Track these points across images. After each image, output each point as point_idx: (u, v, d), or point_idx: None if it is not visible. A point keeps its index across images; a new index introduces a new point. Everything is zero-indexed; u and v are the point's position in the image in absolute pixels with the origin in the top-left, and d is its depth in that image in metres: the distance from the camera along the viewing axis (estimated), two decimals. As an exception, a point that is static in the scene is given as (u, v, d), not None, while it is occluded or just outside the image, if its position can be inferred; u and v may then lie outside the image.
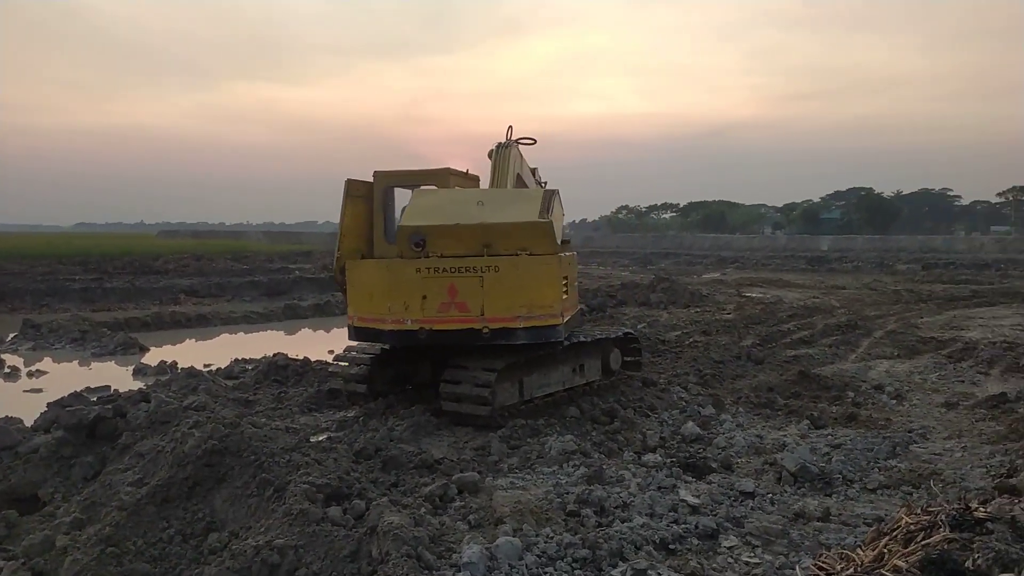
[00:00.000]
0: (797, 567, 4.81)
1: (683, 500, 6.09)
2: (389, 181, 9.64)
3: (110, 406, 7.86)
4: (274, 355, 12.24)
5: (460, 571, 4.73)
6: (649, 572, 4.77)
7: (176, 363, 13.39)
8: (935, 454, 7.51)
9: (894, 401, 9.92)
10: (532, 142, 10.41)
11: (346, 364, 9.85)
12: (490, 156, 9.75)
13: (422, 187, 9.37)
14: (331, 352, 12.62)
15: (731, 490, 6.45)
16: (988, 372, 11.57)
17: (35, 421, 8.30)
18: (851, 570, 2.68)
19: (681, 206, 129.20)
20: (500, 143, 9.79)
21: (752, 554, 5.27)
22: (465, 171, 10.10)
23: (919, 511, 3.02)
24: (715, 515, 5.84)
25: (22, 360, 14.84)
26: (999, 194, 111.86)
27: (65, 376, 13.17)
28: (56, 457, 7.20)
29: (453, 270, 8.11)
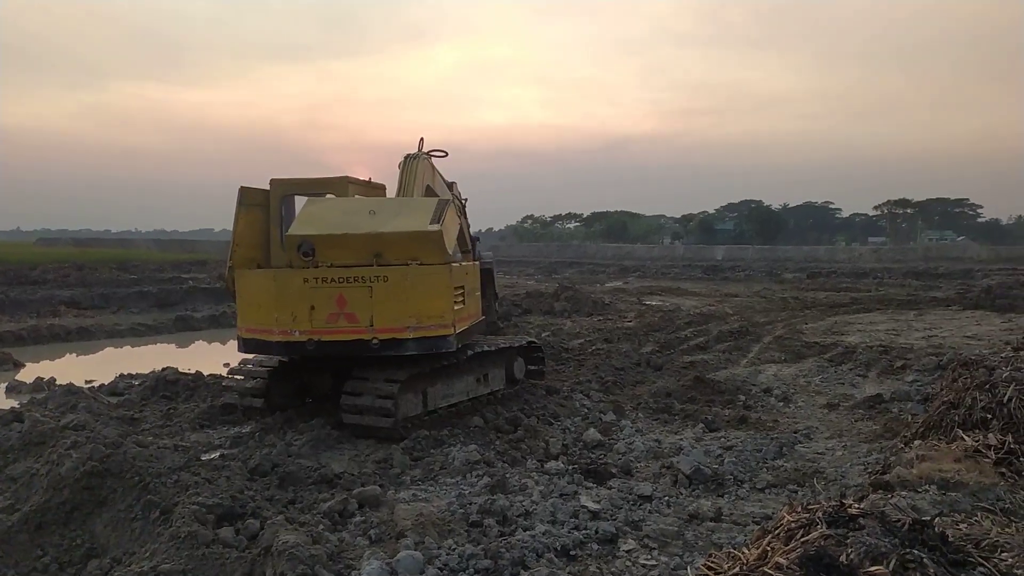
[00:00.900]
0: (689, 567, 4.97)
1: (584, 506, 6.18)
2: (286, 189, 9.39)
3: (-24, 428, 7.27)
4: (163, 369, 11.65)
5: (359, 588, 4.63)
6: (550, 579, 4.81)
7: (54, 379, 12.51)
8: (818, 453, 7.94)
9: (781, 403, 10.43)
10: (443, 154, 10.39)
11: (242, 377, 9.50)
12: (400, 167, 9.67)
13: (317, 196, 9.19)
14: (226, 365, 12.13)
15: (630, 494, 6.61)
16: (866, 375, 12.34)
17: None
18: (737, 569, 2.79)
19: (585, 216, 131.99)
20: (409, 154, 9.72)
21: (649, 556, 5.40)
22: (367, 180, 9.96)
23: (799, 509, 3.18)
24: (614, 520, 5.96)
25: None
26: (875, 207, 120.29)
27: (-75, 396, 12.07)
28: (-88, 485, 6.59)
29: (342, 280, 7.96)
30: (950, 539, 3.16)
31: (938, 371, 11.13)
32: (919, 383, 10.98)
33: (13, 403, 10.82)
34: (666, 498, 6.55)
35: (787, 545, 2.82)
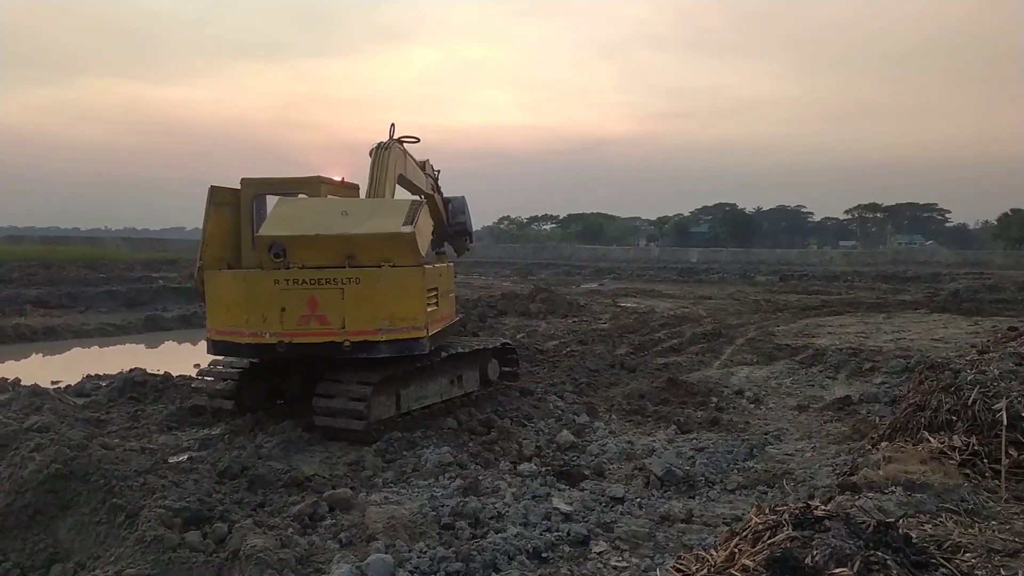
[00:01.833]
0: (659, 569, 5.00)
1: (556, 508, 6.19)
2: (258, 189, 9.28)
3: (-65, 430, 7.08)
4: (131, 370, 11.46)
5: (328, 592, 4.58)
6: (521, 582, 4.81)
7: (19, 380, 12.24)
8: (788, 455, 8.03)
9: (752, 405, 10.54)
10: (415, 140, 10.28)
11: (211, 379, 9.37)
12: (371, 155, 9.59)
13: (290, 196, 9.10)
14: (196, 366, 11.96)
15: (602, 496, 6.63)
16: (835, 376, 12.52)
17: None
18: (705, 570, 2.81)
19: (561, 218, 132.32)
20: (380, 144, 9.64)
21: (620, 558, 5.42)
22: (341, 179, 9.88)
23: (767, 511, 3.21)
24: (586, 522, 5.98)
25: None
26: (846, 211, 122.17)
27: None
28: None
29: (313, 282, 7.88)
30: (914, 540, 3.21)
31: (906, 373, 11.32)
32: (887, 385, 11.15)
33: (-25, 404, 10.58)
34: (638, 500, 6.57)
35: (754, 547, 2.85)
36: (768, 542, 2.83)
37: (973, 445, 5.41)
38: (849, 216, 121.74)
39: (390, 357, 8.15)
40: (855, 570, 2.60)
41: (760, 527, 2.99)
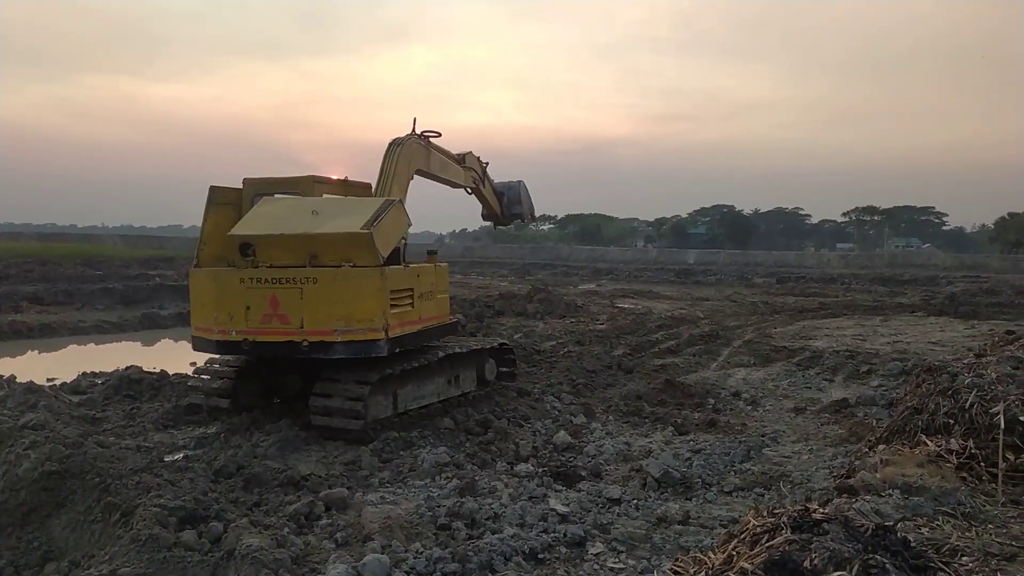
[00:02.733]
0: (656, 571, 4.99)
1: (553, 509, 6.18)
2: (258, 188, 9.28)
3: (-70, 427, 7.04)
4: (127, 368, 11.43)
5: (324, 592, 4.57)
6: (517, 583, 4.80)
7: (14, 377, 12.17)
8: (785, 457, 8.02)
9: (750, 407, 10.53)
10: (436, 134, 10.32)
11: (208, 377, 9.35)
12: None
13: (289, 195, 9.11)
14: (192, 364, 11.93)
15: (599, 497, 6.62)
16: (832, 379, 12.52)
17: None
18: (703, 573, 2.80)
19: (559, 218, 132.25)
20: (394, 140, 9.67)
21: (617, 560, 5.41)
22: (342, 178, 9.86)
23: (765, 514, 3.20)
24: (583, 523, 5.97)
25: None
26: (844, 214, 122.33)
27: None
28: None
29: (275, 281, 7.92)
30: (912, 544, 3.20)
31: (903, 376, 11.32)
32: (884, 388, 11.16)
33: (-30, 401, 10.53)
34: (635, 501, 6.56)
35: (752, 550, 2.84)
36: (766, 545, 2.83)
37: (970, 448, 5.40)
38: (846, 219, 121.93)
39: (345, 358, 8.06)
40: (854, 573, 2.59)
41: (758, 530, 2.98)
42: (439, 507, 6.10)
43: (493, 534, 5.57)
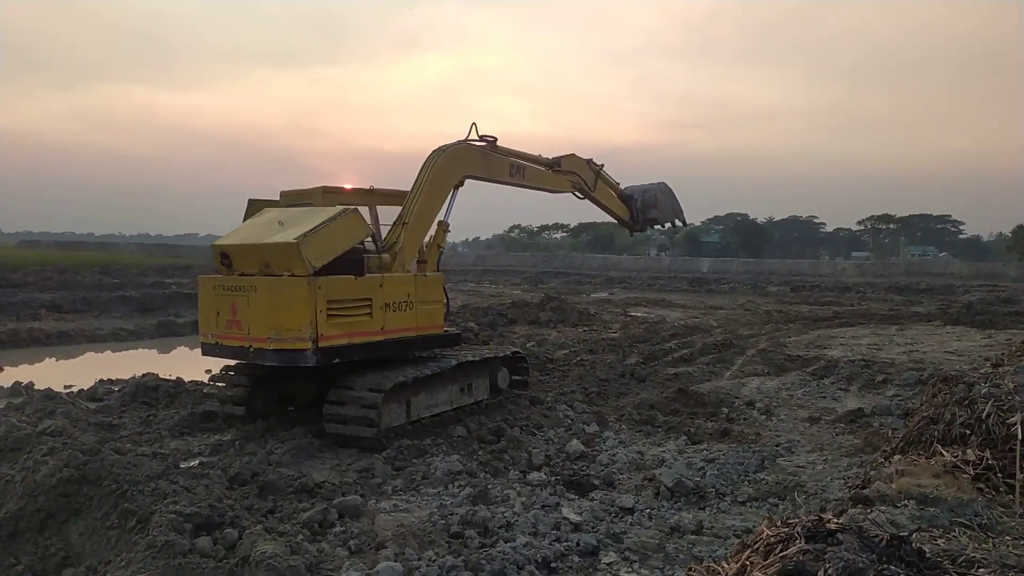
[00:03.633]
0: (670, 581, 4.97)
1: (566, 518, 6.17)
2: (290, 200, 9.56)
3: (-50, 433, 7.13)
4: (143, 375, 11.55)
5: (337, 600, 4.59)
6: (530, 592, 4.79)
7: (32, 384, 12.34)
8: (799, 467, 7.97)
9: (764, 416, 10.47)
10: (493, 139, 10.37)
11: (223, 384, 9.43)
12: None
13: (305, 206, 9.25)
14: (208, 372, 12.03)
15: (612, 506, 6.60)
16: (847, 388, 12.43)
17: None
18: (716, 583, 2.79)
19: (572, 227, 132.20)
20: (440, 146, 9.77)
21: (630, 569, 5.40)
22: (365, 187, 9.95)
23: (779, 524, 3.19)
24: (596, 532, 5.96)
25: None
26: (859, 222, 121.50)
27: (-101, 399, 11.85)
28: None
29: (234, 288, 8.33)
30: (927, 555, 3.18)
31: (918, 386, 11.23)
32: (900, 398, 11.07)
33: (-11, 408, 10.66)
34: (648, 510, 6.54)
35: (766, 560, 2.83)
36: (780, 555, 2.82)
37: (987, 459, 5.35)
38: (862, 227, 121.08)
39: (276, 365, 8.30)
40: (868, 584, 2.58)
41: (772, 540, 2.97)
42: (452, 515, 6.11)
43: (506, 543, 5.57)
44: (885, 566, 2.69)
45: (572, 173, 11.49)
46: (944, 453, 5.51)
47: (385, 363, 9.03)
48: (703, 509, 6.66)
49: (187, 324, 21.67)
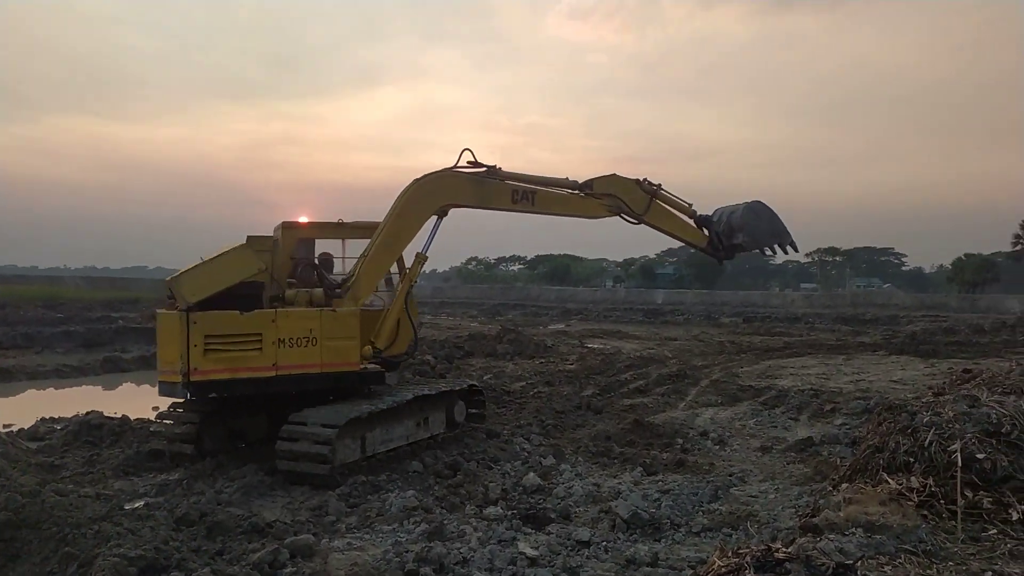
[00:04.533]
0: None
1: (522, 553, 6.14)
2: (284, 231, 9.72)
3: None
4: (87, 413, 11.18)
5: (288, 643, 4.47)
6: (486, 629, 4.74)
7: (-32, 424, 11.86)
8: (752, 496, 8.08)
9: (717, 446, 10.60)
10: (483, 167, 9.91)
11: (171, 422, 9.19)
12: None
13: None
14: (155, 409, 11.70)
15: (568, 540, 6.59)
16: (797, 418, 12.67)
17: None
18: (669, 616, 2.81)
19: (528, 259, 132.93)
20: (421, 176, 9.60)
21: (586, 604, 5.37)
22: (338, 220, 9.94)
23: (730, 554, 3.24)
24: (552, 566, 5.94)
25: None
26: (807, 255, 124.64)
27: None
28: None
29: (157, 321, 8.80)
30: (872, 582, 3.26)
31: (865, 415, 11.50)
32: (847, 426, 11.32)
33: (-79, 449, 10.17)
34: (604, 543, 6.55)
35: (717, 590, 2.86)
36: (730, 585, 2.86)
37: (930, 486, 5.51)
38: (809, 259, 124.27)
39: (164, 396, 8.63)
40: (815, 612, 2.63)
41: (723, 570, 3.02)
42: (407, 552, 6.02)
43: (462, 579, 5.51)
44: (831, 594, 2.75)
45: (611, 196, 10.61)
46: (889, 481, 5.66)
47: (340, 397, 8.93)
48: (658, 541, 6.69)
49: (134, 360, 21.08)
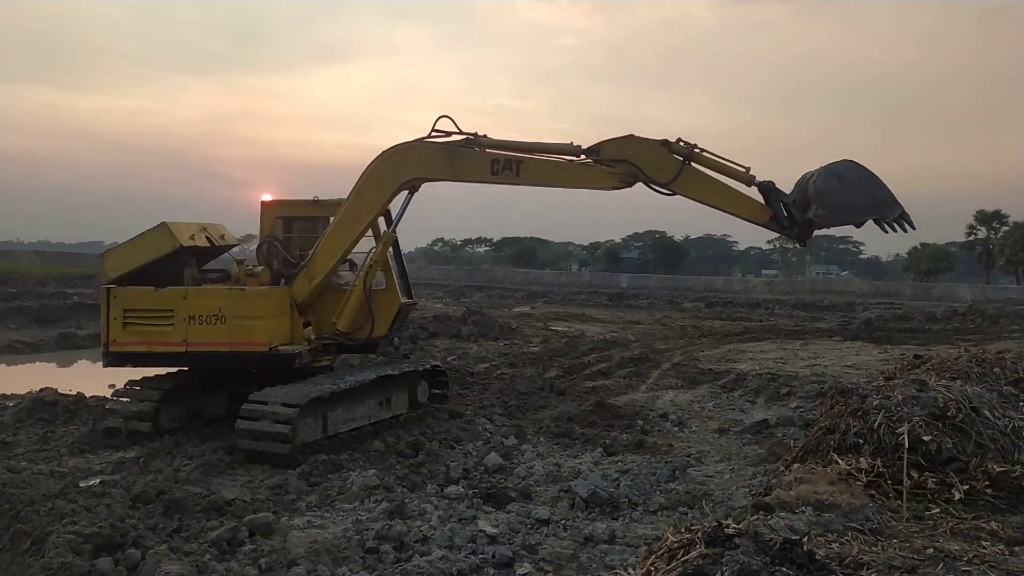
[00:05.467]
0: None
1: (482, 531, 6.21)
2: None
3: None
4: (41, 390, 10.94)
5: (246, 619, 4.48)
6: (445, 605, 4.80)
7: (-85, 400, 11.52)
8: (708, 476, 8.26)
9: (676, 428, 10.80)
10: (469, 135, 9.02)
11: (128, 400, 9.06)
12: None
13: None
14: (112, 387, 11.50)
15: (528, 518, 6.68)
16: (755, 401, 12.95)
17: None
18: (622, 589, 2.89)
19: (495, 241, 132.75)
20: (391, 147, 9.17)
21: (544, 580, 5.47)
22: (314, 198, 9.86)
23: (683, 530, 3.33)
24: (512, 544, 6.01)
25: None
26: (768, 242, 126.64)
27: None
28: None
29: None
30: (818, 557, 3.38)
31: (819, 398, 11.78)
32: (802, 409, 11.60)
33: None
34: (563, 521, 6.65)
35: (669, 564, 2.95)
36: (681, 560, 2.95)
37: (878, 467, 5.71)
38: (771, 246, 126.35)
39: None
40: (762, 585, 2.73)
41: (675, 545, 3.10)
42: (367, 530, 6.05)
43: (422, 556, 5.56)
44: (778, 568, 2.85)
45: (623, 162, 8.84)
46: (839, 461, 5.84)
47: (302, 376, 8.88)
48: (616, 519, 6.82)
49: (89, 336, 20.62)
